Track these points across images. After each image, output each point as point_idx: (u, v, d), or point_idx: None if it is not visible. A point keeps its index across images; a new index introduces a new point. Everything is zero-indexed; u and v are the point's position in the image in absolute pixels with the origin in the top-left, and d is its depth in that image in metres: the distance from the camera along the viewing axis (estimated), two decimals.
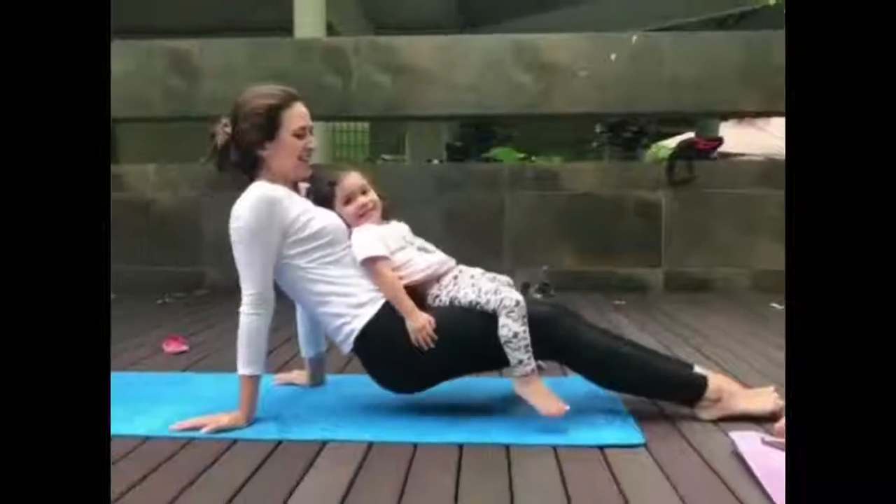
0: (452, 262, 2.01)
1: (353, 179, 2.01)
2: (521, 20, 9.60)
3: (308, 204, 1.95)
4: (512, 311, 1.80)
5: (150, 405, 2.03)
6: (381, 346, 1.88)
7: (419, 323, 1.83)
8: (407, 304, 1.86)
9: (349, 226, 1.98)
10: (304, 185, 2.06)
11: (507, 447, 1.69)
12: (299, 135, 1.93)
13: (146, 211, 4.81)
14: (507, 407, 1.97)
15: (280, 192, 1.90)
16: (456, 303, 1.90)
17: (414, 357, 1.84)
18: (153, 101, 4.84)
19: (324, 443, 1.73)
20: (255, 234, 1.84)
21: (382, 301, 1.89)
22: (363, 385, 2.00)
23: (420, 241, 2.04)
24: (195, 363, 2.67)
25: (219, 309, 3.86)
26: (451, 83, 4.71)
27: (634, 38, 4.73)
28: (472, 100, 4.73)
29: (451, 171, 5.22)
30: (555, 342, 1.87)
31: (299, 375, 2.28)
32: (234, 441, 1.75)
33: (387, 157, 6.41)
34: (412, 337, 1.83)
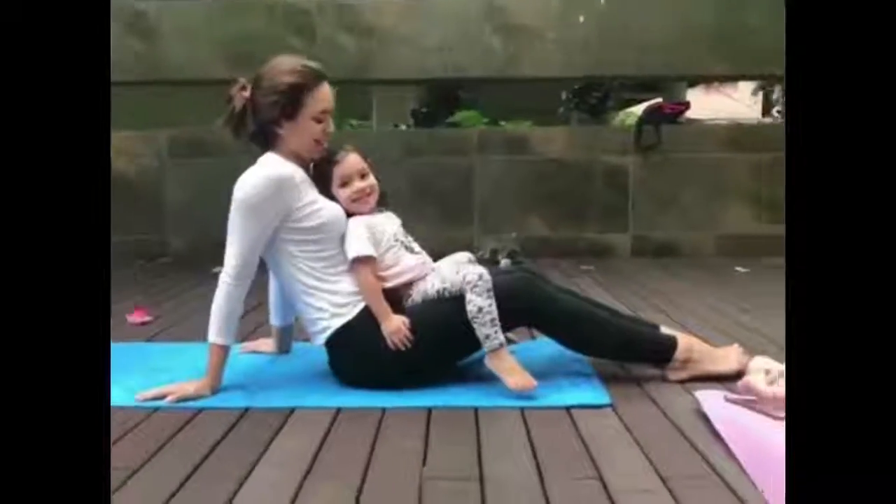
0: (432, 263, 1.99)
1: (352, 161, 1.93)
2: None
3: (318, 194, 1.89)
4: (476, 286, 1.79)
5: (114, 375, 1.98)
6: (355, 347, 1.86)
7: (394, 325, 1.82)
8: (381, 308, 1.84)
9: (344, 210, 1.92)
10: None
11: (476, 410, 1.70)
12: (319, 119, 1.86)
13: None
14: (475, 372, 1.97)
15: (292, 171, 1.84)
16: (426, 297, 1.89)
17: (392, 357, 1.82)
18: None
19: (291, 409, 1.72)
20: (254, 210, 1.79)
21: (362, 304, 1.86)
22: None
23: (408, 239, 2.00)
24: (157, 334, 2.62)
25: (181, 279, 3.80)
26: (418, 46, 4.64)
27: (603, 0, 4.69)
28: (439, 63, 4.67)
29: (419, 137, 5.18)
30: (526, 308, 1.87)
31: (266, 343, 2.26)
32: (200, 410, 1.73)
33: (353, 122, 6.30)
34: (388, 340, 1.82)
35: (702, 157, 4.74)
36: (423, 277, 1.93)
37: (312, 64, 1.87)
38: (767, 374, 1.66)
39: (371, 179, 1.95)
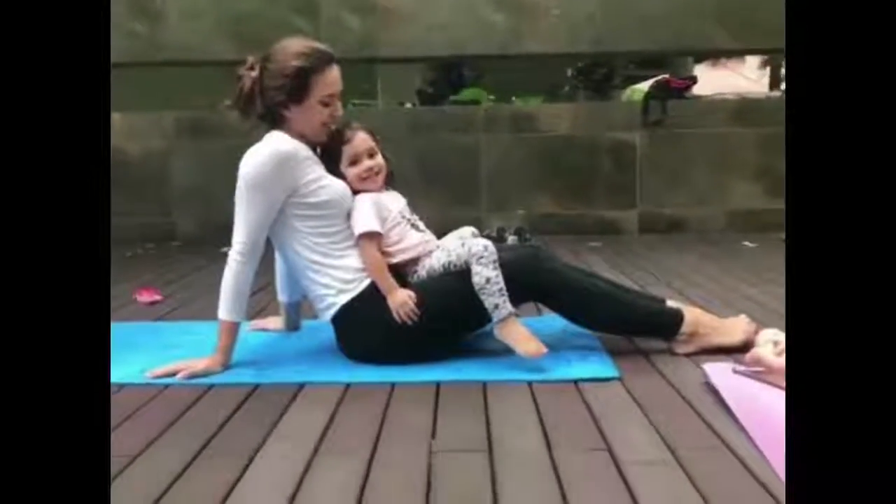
0: (437, 241, 1.99)
1: (361, 140, 1.92)
2: None
3: (323, 170, 1.89)
4: (482, 258, 1.80)
5: (124, 353, 2.01)
6: (362, 323, 1.87)
7: (400, 299, 1.82)
8: (388, 283, 1.85)
9: (352, 189, 1.92)
10: None
11: (484, 384, 1.70)
12: (327, 103, 1.85)
13: (113, 161, 4.70)
14: (484, 346, 1.98)
15: (297, 147, 1.84)
16: (432, 272, 1.89)
17: (399, 332, 1.83)
18: (114, 47, 4.68)
19: (301, 385, 1.73)
20: (259, 187, 1.80)
21: (368, 280, 1.87)
22: None
23: (414, 217, 2.00)
24: (168, 313, 2.64)
25: (191, 260, 3.82)
26: (423, 24, 4.61)
27: None
28: (443, 40, 4.64)
29: (426, 114, 5.16)
30: (534, 285, 1.88)
31: (274, 321, 2.27)
32: (211, 386, 1.74)
33: (356, 101, 6.27)
34: (394, 314, 1.82)
35: (709, 132, 4.70)
36: (427, 254, 1.93)
37: (321, 46, 1.86)
38: (776, 345, 1.66)
39: (379, 159, 1.95)
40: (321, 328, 2.23)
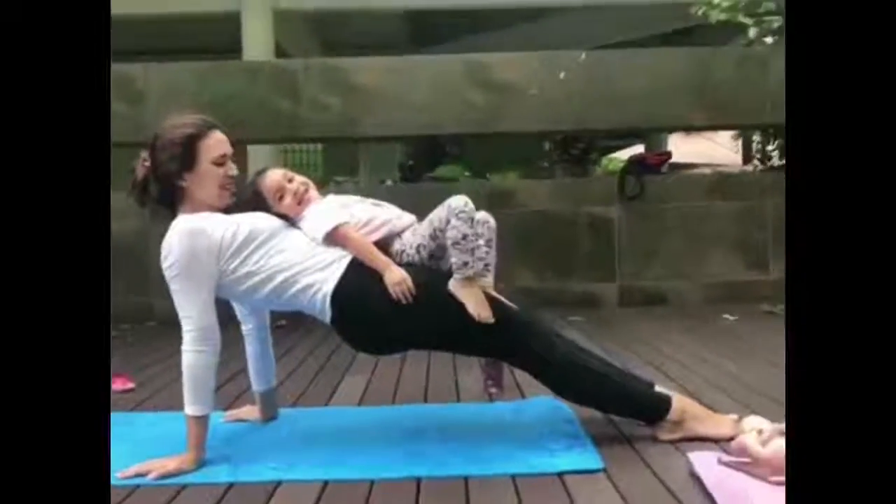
0: (410, 216, 1.98)
1: (273, 175, 1.97)
2: (469, 39, 9.66)
3: (227, 218, 1.88)
4: (462, 212, 1.81)
5: None
6: (355, 303, 1.84)
7: (397, 276, 1.80)
8: (381, 260, 1.84)
9: (292, 220, 1.94)
10: None
11: (466, 479, 1.66)
12: (219, 163, 1.88)
13: None
14: (465, 436, 1.94)
15: (201, 220, 1.84)
16: (422, 249, 1.88)
17: (388, 313, 1.81)
18: None
19: (277, 483, 1.67)
20: (187, 269, 1.79)
21: (348, 259, 1.86)
22: (316, 417, 1.95)
23: (374, 200, 2.01)
24: (143, 402, 2.57)
25: (167, 342, 3.74)
26: (403, 103, 4.70)
27: (583, 55, 4.78)
28: (423, 120, 4.72)
29: (405, 192, 5.20)
30: (525, 356, 1.87)
31: (250, 411, 2.21)
32: (184, 486, 1.68)
33: (339, 178, 6.34)
34: (391, 290, 1.79)
35: (685, 206, 4.78)
36: (405, 228, 1.93)
37: (202, 116, 1.92)
38: (760, 433, 1.64)
39: (298, 178, 1.99)
40: (297, 417, 2.19)
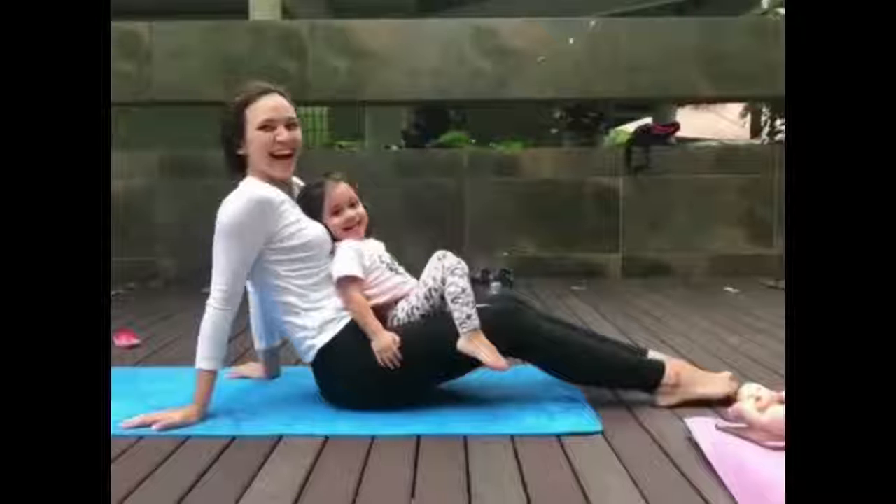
0: (414, 282, 1.99)
1: (342, 190, 1.97)
2: (479, 4, 9.54)
3: (301, 213, 1.91)
4: (456, 269, 1.84)
5: None
6: (342, 363, 1.86)
7: (384, 342, 1.82)
8: (373, 325, 1.84)
9: (334, 238, 1.95)
10: (297, 184, 2.03)
11: (465, 437, 1.68)
12: (265, 126, 1.87)
13: None
14: (464, 399, 1.96)
15: (273, 193, 1.85)
16: (412, 312, 1.90)
17: (380, 374, 1.82)
18: None
19: (279, 438, 1.70)
20: (237, 234, 1.80)
21: (347, 320, 1.87)
22: None
23: (392, 262, 2.02)
24: (147, 357, 2.60)
25: (172, 300, 3.78)
26: (410, 68, 4.66)
27: (592, 23, 4.73)
28: (430, 85, 4.69)
29: (411, 157, 5.18)
30: (514, 341, 1.87)
31: (253, 368, 2.24)
32: (187, 438, 1.70)
33: (343, 143, 6.29)
34: (378, 358, 1.81)
35: (692, 178, 4.76)
36: (404, 296, 1.94)
37: (261, 83, 1.92)
38: (758, 400, 1.66)
39: (360, 209, 1.99)
40: (300, 375, 2.21)
